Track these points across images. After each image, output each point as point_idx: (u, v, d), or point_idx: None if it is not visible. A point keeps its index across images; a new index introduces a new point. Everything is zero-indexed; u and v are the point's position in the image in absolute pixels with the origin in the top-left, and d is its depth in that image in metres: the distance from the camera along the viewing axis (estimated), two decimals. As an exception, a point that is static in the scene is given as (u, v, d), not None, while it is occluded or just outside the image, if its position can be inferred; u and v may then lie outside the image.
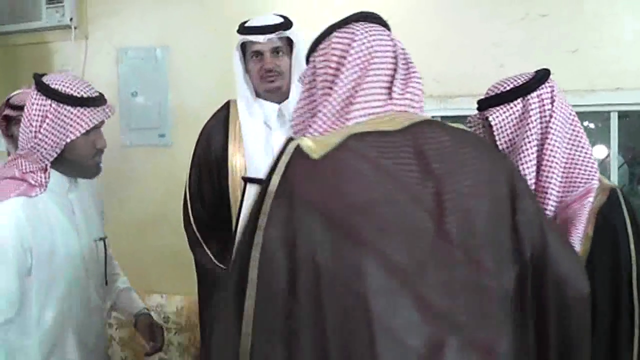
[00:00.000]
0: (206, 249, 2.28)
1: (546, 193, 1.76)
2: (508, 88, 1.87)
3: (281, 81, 2.29)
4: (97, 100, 1.94)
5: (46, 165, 1.92)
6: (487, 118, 1.87)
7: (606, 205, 1.78)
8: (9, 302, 1.83)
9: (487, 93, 1.93)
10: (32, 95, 1.91)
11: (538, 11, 3.07)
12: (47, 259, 1.90)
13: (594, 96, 3.03)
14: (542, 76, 1.88)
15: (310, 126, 1.33)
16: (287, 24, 2.30)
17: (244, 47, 2.32)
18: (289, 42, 2.31)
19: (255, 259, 1.07)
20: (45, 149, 1.89)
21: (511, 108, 1.85)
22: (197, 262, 2.32)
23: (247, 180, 2.12)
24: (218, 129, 2.36)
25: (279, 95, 2.31)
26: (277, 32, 2.26)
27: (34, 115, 1.88)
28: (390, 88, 1.35)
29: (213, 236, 2.30)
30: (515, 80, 1.88)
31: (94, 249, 2.07)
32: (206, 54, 3.44)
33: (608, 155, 3.14)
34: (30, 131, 1.88)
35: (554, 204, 1.76)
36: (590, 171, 1.80)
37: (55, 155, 1.91)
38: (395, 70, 1.37)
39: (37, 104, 1.88)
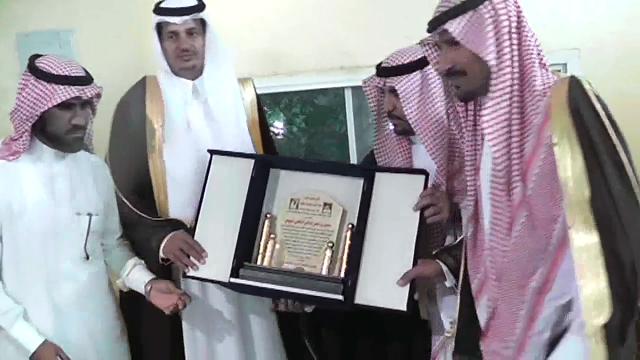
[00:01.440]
0: (130, 205, 2.36)
1: None
2: (407, 60, 2.10)
3: (196, 60, 2.41)
4: (73, 79, 2.09)
5: (22, 133, 2.11)
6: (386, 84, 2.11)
7: None
8: None
9: (386, 63, 2.14)
10: (23, 72, 2.16)
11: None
12: (16, 217, 2.10)
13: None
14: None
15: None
16: (201, 6, 2.41)
17: (159, 26, 2.42)
18: (202, 23, 2.43)
19: None
20: (20, 117, 2.09)
21: (412, 78, 2.08)
22: (122, 225, 2.42)
23: (213, 152, 2.28)
24: (136, 102, 2.45)
25: (193, 72, 2.43)
26: (192, 14, 2.37)
27: (18, 87, 2.12)
28: None
29: (135, 198, 2.39)
30: (414, 53, 2.10)
31: (74, 220, 2.19)
32: (115, 37, 3.38)
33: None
34: (15, 101, 2.11)
35: None
36: None
37: (30, 125, 2.10)
38: None
39: (23, 79, 2.12)
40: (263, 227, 2.19)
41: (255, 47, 3.38)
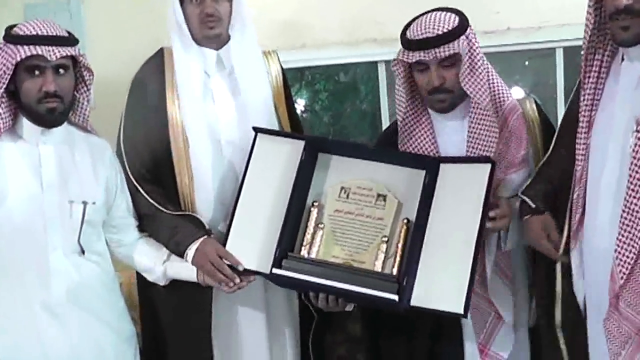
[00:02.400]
0: (146, 195, 2.19)
1: None
2: (450, 27, 1.95)
3: (220, 28, 2.22)
4: (38, 38, 1.90)
5: None
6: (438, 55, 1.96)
7: None
8: None
9: (427, 33, 1.97)
10: None
11: (481, -49, 3.06)
12: None
13: (541, 33, 3.07)
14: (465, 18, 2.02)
15: None
16: None
17: None
18: None
19: None
20: None
21: (462, 44, 1.95)
22: (138, 216, 2.24)
23: (258, 130, 2.12)
24: (153, 77, 2.27)
25: (218, 41, 2.25)
26: None
27: None
28: None
29: (152, 185, 2.23)
30: (448, 20, 1.98)
31: (65, 209, 1.98)
32: (128, 7, 3.19)
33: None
34: None
35: None
36: None
37: None
38: None
39: None
40: (309, 216, 2.01)
41: (281, 17, 3.16)
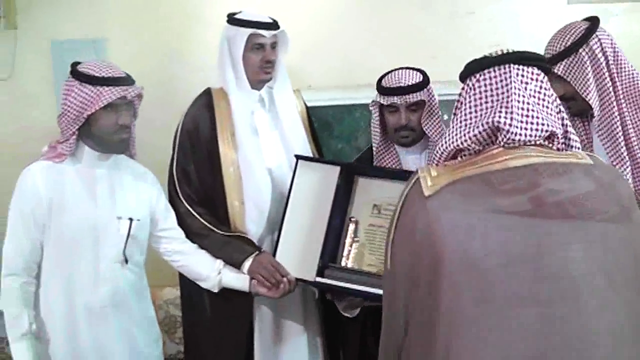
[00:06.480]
0: (199, 217, 2.45)
1: None
2: (411, 82, 2.37)
3: (274, 72, 2.57)
4: (116, 80, 2.17)
5: (69, 136, 2.18)
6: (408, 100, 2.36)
7: None
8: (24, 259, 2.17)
9: (401, 82, 2.36)
10: (67, 79, 2.23)
11: (465, 9, 3.50)
12: (57, 215, 2.16)
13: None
14: (427, 76, 2.43)
15: None
16: (278, 23, 2.57)
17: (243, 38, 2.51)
18: None
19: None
20: (67, 121, 2.16)
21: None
22: (190, 234, 2.46)
23: (299, 158, 2.45)
24: (204, 115, 2.54)
25: (263, 84, 2.58)
26: (276, 30, 2.53)
27: (63, 93, 2.20)
28: None
29: (203, 208, 2.48)
30: (414, 77, 2.39)
31: (114, 224, 2.24)
32: (146, 47, 3.46)
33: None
34: (60, 106, 2.20)
35: None
36: None
37: (76, 127, 2.17)
38: None
39: (67, 84, 2.20)
40: (347, 231, 2.32)
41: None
